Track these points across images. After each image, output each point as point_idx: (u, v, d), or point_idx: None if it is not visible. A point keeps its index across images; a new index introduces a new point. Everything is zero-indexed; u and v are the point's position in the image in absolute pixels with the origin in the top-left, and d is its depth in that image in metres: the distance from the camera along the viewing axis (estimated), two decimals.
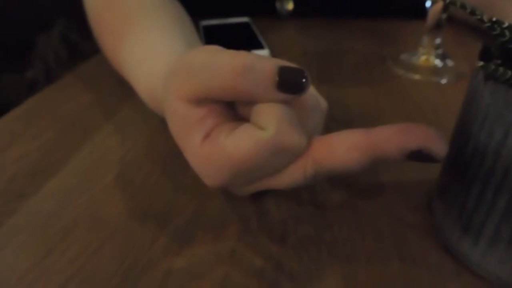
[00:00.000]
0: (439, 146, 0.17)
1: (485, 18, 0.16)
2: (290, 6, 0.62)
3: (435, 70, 0.44)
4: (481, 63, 0.17)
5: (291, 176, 0.21)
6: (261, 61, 0.20)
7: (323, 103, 0.25)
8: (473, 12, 0.17)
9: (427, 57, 0.45)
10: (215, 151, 0.21)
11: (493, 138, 0.18)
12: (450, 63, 0.45)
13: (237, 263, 0.22)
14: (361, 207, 0.26)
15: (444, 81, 0.43)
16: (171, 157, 0.31)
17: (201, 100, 0.22)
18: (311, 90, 0.26)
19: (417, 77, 0.43)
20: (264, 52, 0.47)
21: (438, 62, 0.45)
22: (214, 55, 0.21)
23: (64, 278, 0.22)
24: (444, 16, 0.42)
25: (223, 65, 0.20)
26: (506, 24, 0.15)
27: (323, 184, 0.28)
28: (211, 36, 0.52)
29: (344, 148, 0.19)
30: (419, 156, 0.17)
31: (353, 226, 0.25)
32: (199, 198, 0.27)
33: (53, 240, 0.24)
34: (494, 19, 0.16)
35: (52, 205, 0.27)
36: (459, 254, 0.22)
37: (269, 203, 0.26)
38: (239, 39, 0.51)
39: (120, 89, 0.41)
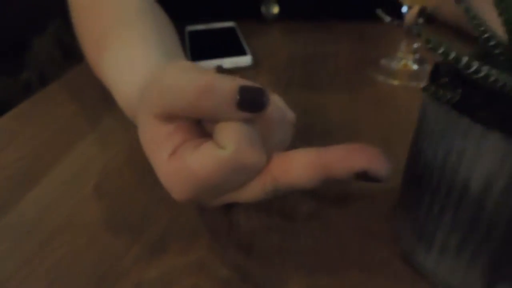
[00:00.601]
0: (382, 168, 0.18)
1: (424, 39, 0.17)
2: (275, 10, 0.62)
3: (413, 75, 0.45)
4: (422, 85, 0.18)
5: (253, 191, 0.22)
6: (223, 82, 0.21)
7: (290, 115, 0.26)
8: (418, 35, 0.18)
9: (405, 62, 0.46)
10: (180, 167, 0.22)
11: (437, 156, 0.19)
12: (428, 67, 0.46)
13: (205, 274, 0.23)
14: (329, 217, 0.27)
15: (422, 85, 0.43)
16: (149, 167, 0.32)
17: (170, 117, 0.23)
18: (278, 103, 0.26)
19: (396, 82, 0.44)
20: (246, 59, 0.48)
21: (416, 67, 0.46)
22: (180, 75, 0.22)
23: (42, 287, 0.23)
24: (421, 21, 0.43)
25: (187, 85, 0.21)
26: (447, 45, 0.16)
27: (293, 194, 0.29)
28: (196, 42, 0.53)
29: (299, 168, 0.20)
30: (365, 176, 0.18)
31: (319, 236, 0.26)
32: (173, 209, 0.28)
33: (32, 250, 0.25)
34: (433, 38, 0.16)
35: (33, 215, 0.28)
36: (416, 263, 0.23)
37: (239, 213, 0.27)
38: (223, 45, 0.52)
39: (106, 97, 0.42)
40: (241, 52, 0.49)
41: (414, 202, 0.22)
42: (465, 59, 0.16)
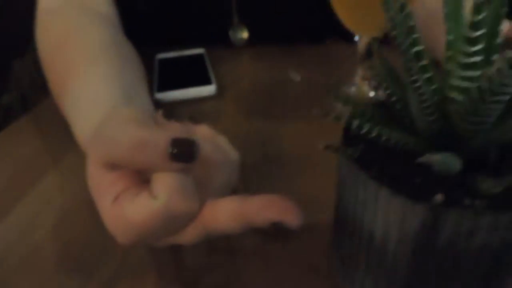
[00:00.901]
0: (294, 220, 0.20)
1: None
2: (244, 35, 0.64)
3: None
4: (324, 144, 0.19)
5: (188, 235, 0.24)
6: (156, 135, 0.22)
7: (233, 156, 0.28)
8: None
9: (362, 89, 0.47)
10: (120, 215, 0.23)
11: (349, 204, 0.20)
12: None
13: None
14: (272, 253, 0.28)
15: None
16: None
17: (112, 166, 0.24)
18: (222, 144, 0.28)
19: None
20: (210, 88, 0.49)
21: (372, 93, 0.47)
22: (118, 128, 0.23)
23: None
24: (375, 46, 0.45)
25: (122, 139, 0.22)
26: (346, 109, 0.18)
27: None
28: (164, 71, 0.55)
29: (225, 216, 0.22)
30: (279, 226, 0.20)
31: (261, 272, 0.27)
32: (124, 248, 0.29)
33: None
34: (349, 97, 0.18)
35: None
36: None
37: (186, 251, 0.29)
38: (190, 74, 0.53)
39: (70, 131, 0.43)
40: (206, 81, 0.51)
41: (339, 243, 0.23)
42: (356, 122, 0.17)
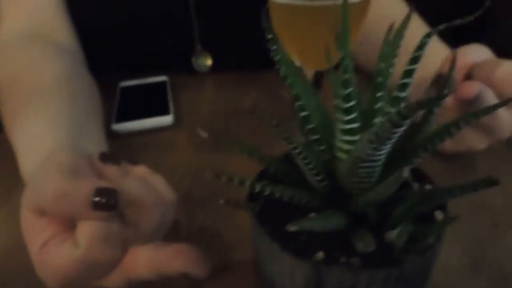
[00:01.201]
0: (200, 269, 0.21)
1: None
2: (208, 62, 0.65)
3: None
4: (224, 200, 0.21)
5: (113, 280, 0.25)
6: (79, 186, 0.24)
7: (169, 197, 0.29)
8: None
9: None
10: (46, 260, 0.24)
11: (256, 252, 0.21)
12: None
13: None
14: None
15: None
16: None
17: (42, 212, 0.25)
18: (157, 185, 0.29)
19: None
20: (168, 119, 0.50)
21: None
22: (45, 178, 0.25)
23: None
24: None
25: (47, 190, 0.24)
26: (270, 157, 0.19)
27: None
28: (124, 100, 0.55)
29: (141, 264, 0.23)
30: (187, 276, 0.21)
31: None
32: None
33: None
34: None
35: None
36: None
37: None
38: (149, 103, 0.54)
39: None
40: (164, 111, 0.52)
41: (258, 283, 0.24)
42: (248, 182, 0.19)
